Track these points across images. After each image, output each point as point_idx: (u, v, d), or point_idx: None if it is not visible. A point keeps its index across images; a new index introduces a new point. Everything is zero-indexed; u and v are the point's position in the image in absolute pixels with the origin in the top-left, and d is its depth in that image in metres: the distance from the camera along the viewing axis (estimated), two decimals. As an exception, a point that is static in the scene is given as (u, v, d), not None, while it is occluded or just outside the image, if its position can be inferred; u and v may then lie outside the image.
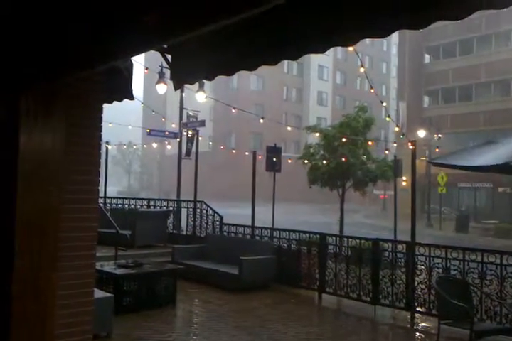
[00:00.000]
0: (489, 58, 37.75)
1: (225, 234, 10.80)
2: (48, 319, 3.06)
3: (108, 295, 5.89)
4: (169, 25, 1.89)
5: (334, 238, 8.68)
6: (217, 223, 11.28)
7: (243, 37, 2.47)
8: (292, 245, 9.15)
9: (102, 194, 13.56)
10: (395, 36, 48.86)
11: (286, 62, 57.22)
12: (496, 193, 36.06)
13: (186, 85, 4.05)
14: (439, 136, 32.13)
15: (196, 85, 12.55)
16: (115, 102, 3.99)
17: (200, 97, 13.14)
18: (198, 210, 12.02)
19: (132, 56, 2.55)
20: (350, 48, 4.29)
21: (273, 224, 11.57)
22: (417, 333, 6.74)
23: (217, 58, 2.71)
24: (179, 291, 7.64)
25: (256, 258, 8.69)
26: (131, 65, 3.51)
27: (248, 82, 55.08)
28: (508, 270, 6.35)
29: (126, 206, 13.93)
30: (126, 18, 2.08)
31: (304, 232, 9.16)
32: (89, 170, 3.39)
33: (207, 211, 11.74)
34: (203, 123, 16.90)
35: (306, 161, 16.20)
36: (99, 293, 5.34)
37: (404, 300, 7.33)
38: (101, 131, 3.46)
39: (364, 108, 16.52)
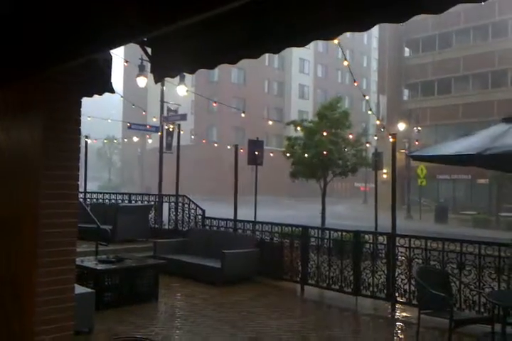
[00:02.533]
0: (468, 52, 38.26)
1: (208, 227, 10.79)
2: (27, 316, 3.02)
3: (89, 290, 5.83)
4: (149, 18, 1.86)
5: (316, 230, 8.74)
6: (200, 217, 11.26)
7: (224, 30, 2.45)
8: (275, 238, 9.19)
9: (82, 189, 13.41)
10: (375, 29, 49.09)
11: (267, 55, 56.78)
12: (474, 185, 36.72)
13: (167, 78, 4.02)
14: (419, 128, 32.54)
15: (177, 78, 12.45)
16: (96, 96, 3.93)
17: (181, 91, 13.04)
18: (180, 204, 11.98)
19: (111, 49, 2.51)
20: (334, 41, 4.30)
21: (255, 217, 11.59)
22: (398, 323, 6.85)
23: (199, 51, 2.68)
24: (161, 286, 7.61)
25: (238, 251, 8.70)
26: (110, 57, 3.46)
27: (229, 75, 54.82)
28: (486, 260, 6.48)
29: (107, 201, 13.81)
30: (106, 11, 2.04)
31: (286, 225, 9.21)
32: (68, 165, 3.34)
33: (189, 205, 11.71)
34: (184, 117, 16.81)
35: (288, 154, 16.24)
36: (80, 289, 5.29)
37: (385, 291, 7.43)
38: (80, 124, 3.41)
39: (339, 100, 16.78)
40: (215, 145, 32.52)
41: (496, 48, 36.61)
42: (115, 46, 2.23)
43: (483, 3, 1.91)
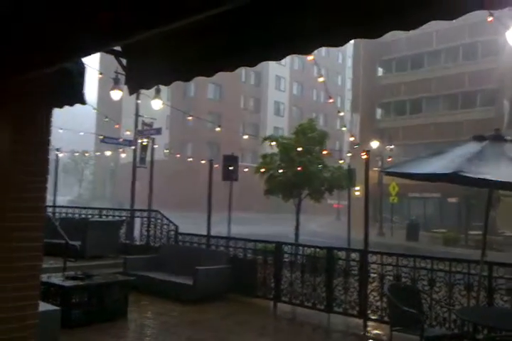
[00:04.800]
0: (439, 73, 39.36)
1: (180, 243, 10.63)
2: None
3: (54, 308, 5.63)
4: (121, 26, 1.83)
5: (290, 246, 8.70)
6: (172, 233, 11.10)
7: (200, 42, 2.45)
8: (248, 254, 9.10)
9: (51, 203, 13.10)
10: (349, 49, 50.19)
11: (243, 71, 57.43)
12: (444, 203, 37.36)
13: (142, 92, 3.99)
14: (391, 147, 33.10)
15: (152, 92, 12.40)
16: (68, 107, 3.84)
17: (156, 104, 12.98)
18: (153, 220, 11.79)
19: (82, 57, 2.47)
20: (309, 57, 4.36)
21: (229, 233, 11.50)
22: (370, 340, 6.82)
23: (174, 63, 2.66)
24: (131, 303, 7.42)
25: (211, 268, 8.57)
26: (83, 68, 3.40)
27: (205, 90, 54.95)
28: (457, 277, 6.55)
29: (77, 215, 13.49)
30: (77, 18, 2.00)
31: (260, 241, 9.15)
32: (36, 177, 3.24)
33: (161, 220, 11.53)
34: (159, 131, 16.69)
35: (262, 170, 16.18)
36: (45, 306, 5.11)
37: (357, 308, 7.42)
38: (50, 136, 3.32)
39: (313, 120, 17.04)
40: (190, 160, 32.34)
41: (466, 70, 37.76)
42: (85, 55, 2.19)
43: (454, 20, 1.94)
